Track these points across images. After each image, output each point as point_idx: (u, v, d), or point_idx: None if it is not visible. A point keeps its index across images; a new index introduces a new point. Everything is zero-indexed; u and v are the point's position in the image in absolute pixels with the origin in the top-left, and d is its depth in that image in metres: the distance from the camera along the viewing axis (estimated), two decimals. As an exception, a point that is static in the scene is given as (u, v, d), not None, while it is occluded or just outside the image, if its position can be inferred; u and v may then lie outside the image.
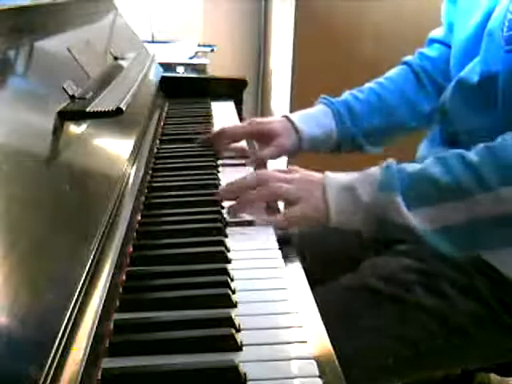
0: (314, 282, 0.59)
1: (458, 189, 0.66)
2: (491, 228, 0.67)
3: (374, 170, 0.71)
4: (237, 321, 0.50)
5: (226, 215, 0.72)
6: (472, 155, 0.68)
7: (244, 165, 0.92)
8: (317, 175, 0.73)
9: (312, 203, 0.70)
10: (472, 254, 0.77)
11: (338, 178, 0.71)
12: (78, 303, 0.44)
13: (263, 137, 0.95)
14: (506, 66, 0.76)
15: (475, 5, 0.85)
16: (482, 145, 0.69)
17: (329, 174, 0.72)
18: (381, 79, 1.02)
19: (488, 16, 0.81)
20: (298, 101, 1.82)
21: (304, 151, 0.97)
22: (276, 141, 0.93)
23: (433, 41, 1.03)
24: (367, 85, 1.01)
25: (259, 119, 0.97)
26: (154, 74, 1.21)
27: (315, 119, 0.96)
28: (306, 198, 0.70)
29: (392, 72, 1.03)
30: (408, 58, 1.04)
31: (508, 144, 0.67)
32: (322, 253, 0.96)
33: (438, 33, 1.03)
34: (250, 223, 0.71)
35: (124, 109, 0.61)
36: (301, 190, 0.71)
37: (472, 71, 0.83)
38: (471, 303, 0.78)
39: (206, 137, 0.97)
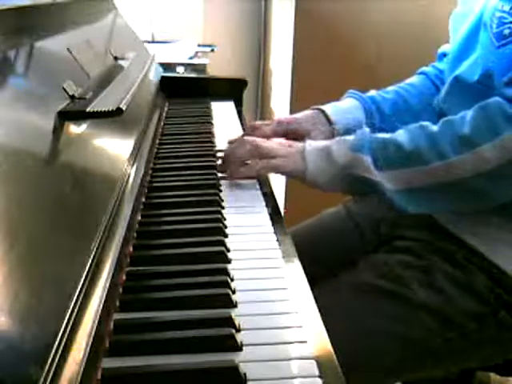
0: (312, 281, 0.60)
1: (418, 156, 0.75)
2: (444, 193, 0.75)
3: (350, 135, 0.80)
4: (237, 321, 0.50)
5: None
6: (434, 127, 0.76)
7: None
8: (297, 143, 0.82)
9: (290, 159, 0.79)
10: (429, 214, 0.85)
11: (316, 142, 0.81)
12: (78, 303, 0.44)
13: (295, 137, 0.91)
14: (498, 61, 0.76)
15: (474, 2, 0.85)
16: (444, 118, 0.77)
17: (309, 141, 0.81)
18: (403, 84, 1.02)
19: (484, 12, 0.81)
20: (298, 101, 1.82)
21: None
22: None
23: (442, 55, 1.03)
24: (391, 87, 1.01)
25: (287, 118, 0.96)
26: (154, 74, 1.21)
27: (348, 112, 0.96)
28: (285, 155, 0.79)
29: (412, 79, 1.04)
30: (424, 68, 1.04)
31: (465, 119, 0.74)
32: (319, 251, 0.96)
33: (447, 47, 1.03)
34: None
35: (124, 109, 0.61)
36: (281, 149, 0.80)
37: (471, 68, 0.82)
38: (469, 300, 0.79)
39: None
